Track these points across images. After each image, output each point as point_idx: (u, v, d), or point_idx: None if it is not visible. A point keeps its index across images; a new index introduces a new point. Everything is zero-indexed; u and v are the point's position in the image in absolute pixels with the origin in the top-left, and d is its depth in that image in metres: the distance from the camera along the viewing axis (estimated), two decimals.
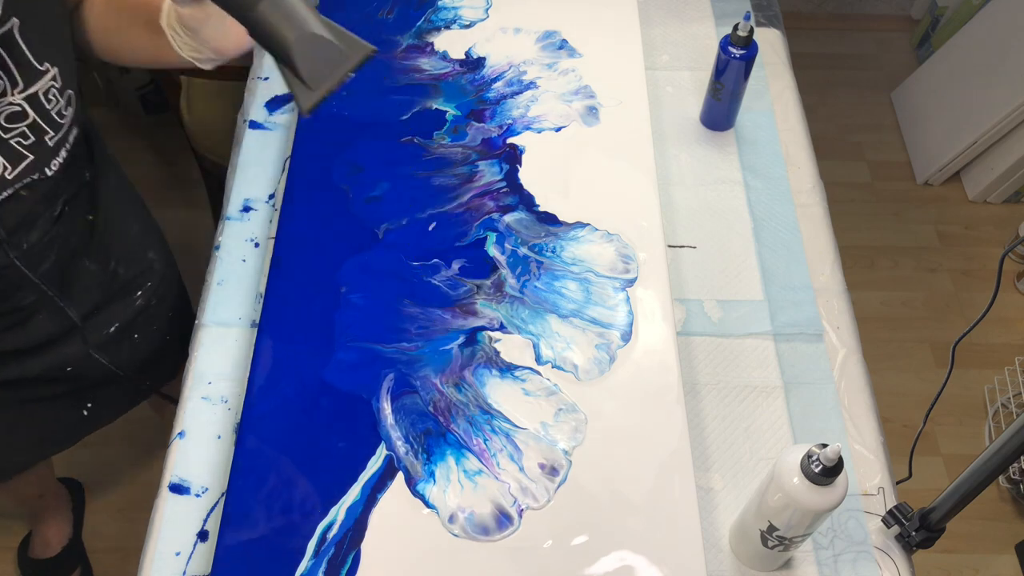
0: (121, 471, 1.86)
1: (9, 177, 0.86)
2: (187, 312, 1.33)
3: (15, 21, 0.82)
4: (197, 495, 0.97)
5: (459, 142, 1.22)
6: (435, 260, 1.10)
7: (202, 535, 0.95)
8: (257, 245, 1.15)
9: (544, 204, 1.16)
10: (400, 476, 0.94)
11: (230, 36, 0.85)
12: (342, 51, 0.74)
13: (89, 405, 1.20)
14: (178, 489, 0.97)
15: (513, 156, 1.20)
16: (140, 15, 0.89)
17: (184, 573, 0.92)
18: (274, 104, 1.30)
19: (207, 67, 0.89)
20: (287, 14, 0.72)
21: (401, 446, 0.96)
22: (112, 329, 1.15)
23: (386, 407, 0.99)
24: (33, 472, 1.55)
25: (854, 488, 1.00)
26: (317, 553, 0.90)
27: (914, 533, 0.95)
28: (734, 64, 1.20)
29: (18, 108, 0.85)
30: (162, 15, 0.86)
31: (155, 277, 1.20)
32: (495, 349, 1.03)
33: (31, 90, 0.85)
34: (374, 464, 0.95)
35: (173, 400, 1.20)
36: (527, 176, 1.18)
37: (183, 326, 1.31)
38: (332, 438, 0.97)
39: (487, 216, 1.14)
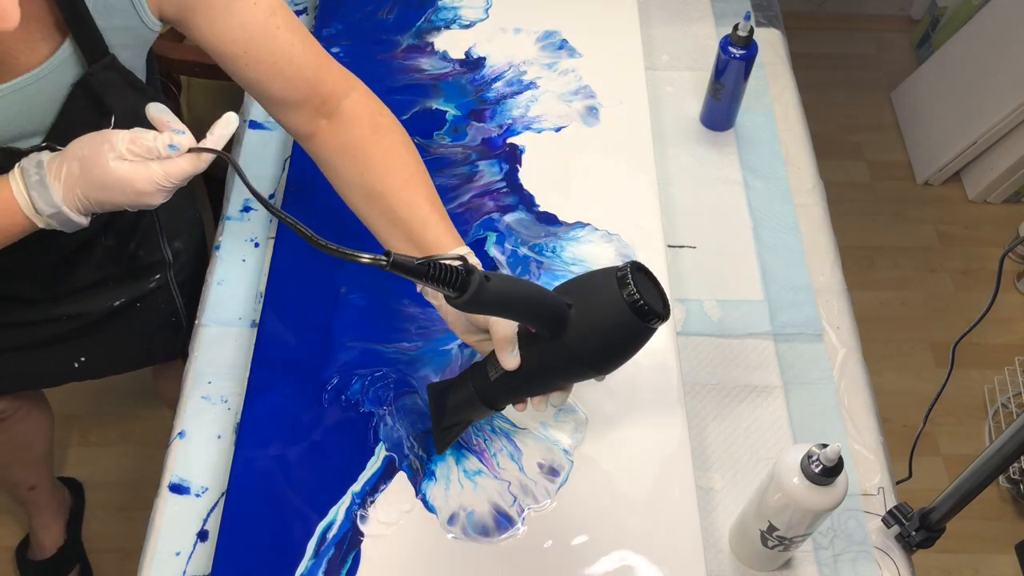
0: (121, 471, 1.86)
1: None
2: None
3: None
4: (197, 495, 0.97)
5: (459, 142, 1.22)
6: None
7: (202, 535, 0.95)
8: (257, 245, 1.15)
9: (544, 204, 1.16)
10: (400, 476, 0.94)
11: (458, 324, 0.86)
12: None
13: (82, 359, 1.22)
14: (178, 489, 0.97)
15: (513, 156, 1.20)
16: (397, 220, 0.89)
17: (184, 573, 0.92)
18: None
19: (426, 296, 0.90)
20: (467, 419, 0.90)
21: (401, 446, 0.96)
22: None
23: (386, 407, 0.99)
24: (31, 458, 1.55)
25: (854, 488, 1.00)
26: (317, 553, 0.90)
27: (914, 533, 0.95)
28: (734, 64, 1.20)
29: None
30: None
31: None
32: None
33: None
34: (374, 464, 0.95)
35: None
36: (527, 176, 1.18)
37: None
38: (332, 438, 0.97)
39: (487, 216, 1.14)
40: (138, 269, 1.16)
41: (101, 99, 0.85)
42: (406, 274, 0.66)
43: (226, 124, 0.77)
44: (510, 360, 0.79)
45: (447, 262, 0.68)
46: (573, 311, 0.75)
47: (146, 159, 0.76)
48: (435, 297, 0.87)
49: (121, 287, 1.15)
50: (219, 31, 0.85)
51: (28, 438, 1.50)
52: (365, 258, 0.65)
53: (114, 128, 0.84)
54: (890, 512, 0.97)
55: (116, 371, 1.30)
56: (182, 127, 0.76)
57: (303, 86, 0.90)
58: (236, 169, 0.75)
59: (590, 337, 0.76)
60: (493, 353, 0.82)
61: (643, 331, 0.76)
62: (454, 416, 0.88)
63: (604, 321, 0.75)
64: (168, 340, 1.27)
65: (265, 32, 0.86)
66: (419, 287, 0.88)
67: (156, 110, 0.77)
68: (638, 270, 0.75)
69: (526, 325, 0.79)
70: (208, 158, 0.77)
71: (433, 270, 0.67)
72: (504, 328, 0.79)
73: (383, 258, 0.65)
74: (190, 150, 0.76)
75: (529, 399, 0.85)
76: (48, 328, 1.15)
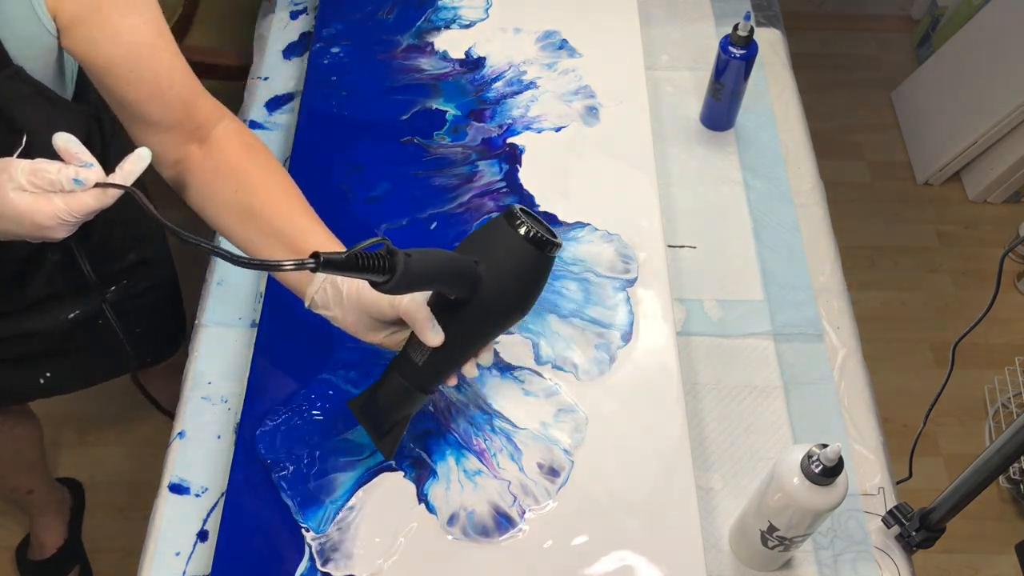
0: (121, 471, 1.86)
1: None
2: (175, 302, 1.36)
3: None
4: (197, 495, 0.97)
5: (459, 142, 1.22)
6: None
7: (202, 535, 0.95)
8: None
9: (544, 204, 1.16)
10: (400, 476, 0.94)
11: (361, 326, 0.84)
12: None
13: (48, 375, 1.22)
14: (178, 489, 0.97)
15: (513, 156, 1.20)
16: (276, 233, 0.88)
17: (184, 573, 0.92)
18: (274, 104, 1.30)
19: (316, 310, 0.87)
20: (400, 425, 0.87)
21: (400, 446, 0.96)
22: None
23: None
24: (23, 465, 1.55)
25: (854, 488, 1.00)
26: None
27: (914, 533, 0.95)
28: (734, 64, 1.20)
29: None
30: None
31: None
32: (495, 349, 1.03)
33: None
34: (374, 464, 0.95)
35: (157, 403, 1.21)
36: (527, 176, 1.18)
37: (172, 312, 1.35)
38: (332, 438, 0.96)
39: (487, 216, 1.14)
40: (90, 283, 1.13)
41: (6, 112, 0.83)
42: (337, 270, 0.65)
43: (137, 160, 0.74)
44: (434, 336, 0.79)
45: (368, 251, 0.67)
46: (481, 266, 0.77)
47: (48, 192, 0.71)
48: (326, 308, 0.86)
49: (74, 301, 1.14)
50: (108, 47, 0.82)
51: (17, 447, 1.50)
52: (289, 265, 0.64)
53: (26, 144, 0.81)
54: (890, 512, 0.97)
55: (84, 385, 1.30)
56: (91, 160, 0.72)
57: (180, 110, 0.88)
58: (142, 204, 0.71)
59: (503, 285, 0.78)
60: (412, 340, 0.82)
61: (547, 262, 0.79)
62: (392, 417, 0.87)
63: (511, 265, 0.77)
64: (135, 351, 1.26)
65: (152, 52, 0.85)
66: (308, 302, 0.87)
67: (63, 140, 0.72)
68: (522, 210, 0.78)
69: (446, 292, 0.79)
70: (115, 193, 0.73)
71: (362, 260, 0.66)
72: (418, 308, 0.79)
73: (311, 260, 0.64)
74: (96, 185, 0.72)
75: (462, 370, 0.85)
76: (6, 346, 1.14)
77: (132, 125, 0.89)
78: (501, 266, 0.77)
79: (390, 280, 0.68)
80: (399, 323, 0.83)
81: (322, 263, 0.64)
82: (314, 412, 0.98)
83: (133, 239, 1.19)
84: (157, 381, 1.42)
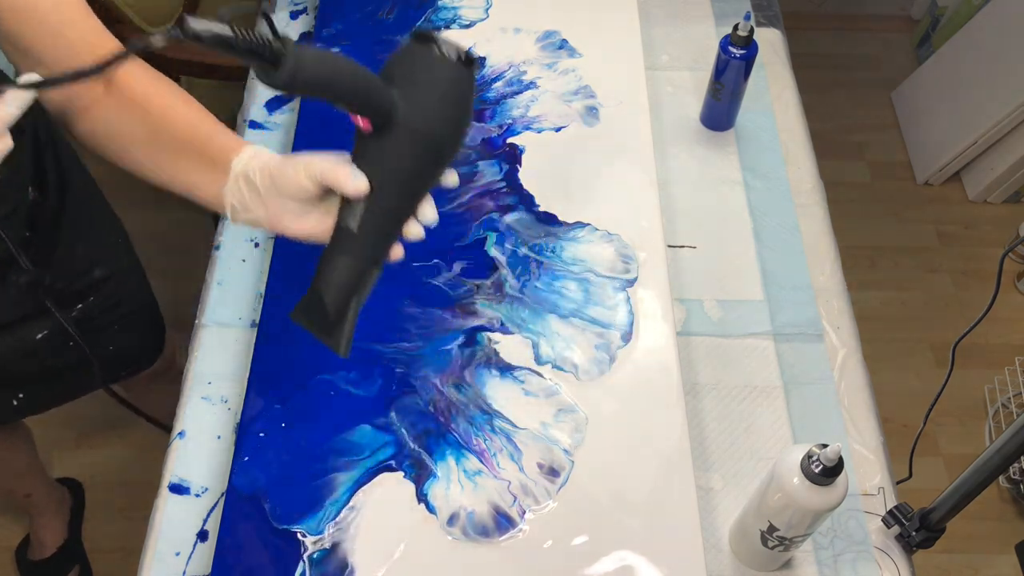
0: (121, 471, 1.86)
1: None
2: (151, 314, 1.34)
3: None
4: (197, 495, 0.97)
5: None
6: (435, 260, 1.10)
7: (202, 535, 0.95)
8: (257, 245, 1.15)
9: (544, 204, 1.16)
10: (400, 476, 0.94)
11: (293, 220, 0.80)
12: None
13: (20, 395, 1.21)
14: (178, 489, 0.97)
15: (513, 156, 1.20)
16: (184, 144, 0.84)
17: (184, 573, 0.92)
18: (274, 104, 1.30)
19: (241, 221, 0.84)
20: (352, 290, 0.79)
21: (400, 446, 0.96)
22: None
23: (386, 407, 0.99)
24: (16, 471, 1.55)
25: (854, 488, 1.00)
26: None
27: (914, 533, 0.95)
28: (734, 64, 1.20)
29: None
30: (239, 158, 0.82)
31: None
32: (495, 349, 1.03)
33: None
34: (373, 464, 0.95)
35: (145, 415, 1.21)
36: (527, 176, 1.18)
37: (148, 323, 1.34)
38: (331, 438, 0.96)
39: (487, 216, 1.14)
40: (55, 302, 1.11)
41: None
42: (209, 44, 0.58)
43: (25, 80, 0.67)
44: (357, 181, 0.73)
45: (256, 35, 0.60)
46: (395, 90, 0.71)
47: None
48: (245, 211, 0.81)
49: (40, 322, 1.12)
50: None
51: (4, 455, 1.50)
52: (153, 40, 0.55)
53: None
54: (890, 512, 0.97)
55: (59, 403, 1.29)
56: None
57: (86, 53, 0.81)
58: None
59: (429, 110, 0.72)
60: (342, 209, 0.77)
61: (470, 79, 0.73)
62: (345, 304, 0.78)
63: (436, 87, 0.72)
64: (109, 366, 1.25)
65: None
66: (229, 213, 0.82)
67: None
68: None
69: (354, 108, 0.71)
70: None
71: (241, 36, 0.57)
72: (334, 160, 0.75)
73: (175, 27, 0.56)
74: None
75: (405, 234, 0.80)
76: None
77: (28, 69, 0.80)
78: (424, 91, 0.71)
79: (281, 69, 0.61)
80: (324, 199, 0.79)
81: (191, 35, 0.56)
82: (313, 412, 0.98)
83: (96, 255, 1.17)
84: (140, 389, 1.42)
